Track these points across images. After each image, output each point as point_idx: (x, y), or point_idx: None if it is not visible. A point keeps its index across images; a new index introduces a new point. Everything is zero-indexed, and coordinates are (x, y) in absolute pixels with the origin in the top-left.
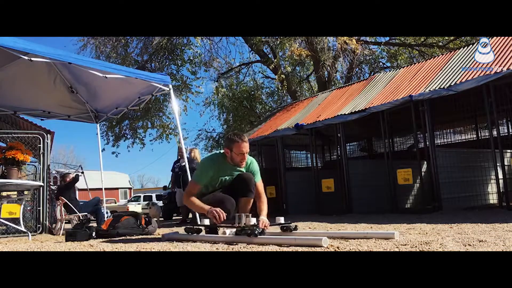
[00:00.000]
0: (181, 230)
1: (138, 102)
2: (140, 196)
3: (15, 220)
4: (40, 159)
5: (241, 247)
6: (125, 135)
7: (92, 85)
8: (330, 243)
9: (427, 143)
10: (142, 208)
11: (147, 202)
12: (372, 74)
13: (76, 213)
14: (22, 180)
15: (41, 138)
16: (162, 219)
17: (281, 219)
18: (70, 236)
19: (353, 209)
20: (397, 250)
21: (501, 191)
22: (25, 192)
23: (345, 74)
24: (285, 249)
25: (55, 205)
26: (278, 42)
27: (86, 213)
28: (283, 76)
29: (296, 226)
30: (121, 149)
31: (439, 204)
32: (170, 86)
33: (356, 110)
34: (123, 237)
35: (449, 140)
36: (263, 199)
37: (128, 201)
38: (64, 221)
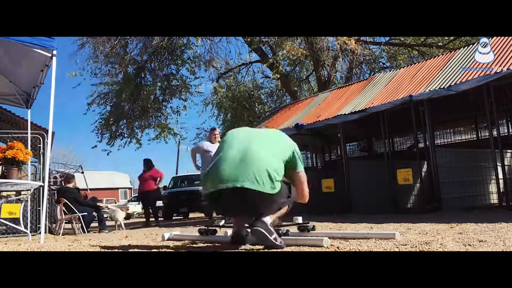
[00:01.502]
0: (181, 230)
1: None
2: None
3: (15, 220)
4: (40, 159)
5: (240, 248)
6: (122, 134)
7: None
8: (331, 243)
9: (427, 143)
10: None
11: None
12: (372, 74)
13: (76, 213)
14: (22, 180)
15: (41, 138)
16: (162, 219)
17: (299, 219)
18: None
19: (353, 209)
20: (397, 250)
21: (501, 191)
22: (25, 192)
23: (345, 74)
24: (286, 249)
25: (54, 205)
26: (276, 41)
27: (85, 213)
28: (277, 75)
29: (314, 226)
30: (113, 148)
31: (439, 204)
32: (54, 52)
33: (356, 110)
34: (123, 237)
35: (449, 140)
36: None
37: (128, 201)
38: (64, 221)
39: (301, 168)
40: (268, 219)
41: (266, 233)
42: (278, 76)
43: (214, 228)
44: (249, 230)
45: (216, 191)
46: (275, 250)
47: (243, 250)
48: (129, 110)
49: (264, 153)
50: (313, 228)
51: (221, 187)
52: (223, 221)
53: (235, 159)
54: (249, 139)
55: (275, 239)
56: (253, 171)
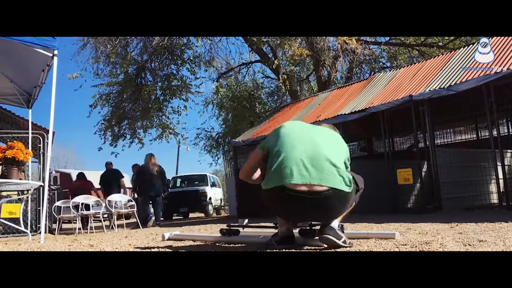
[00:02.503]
0: (181, 230)
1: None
2: None
3: (15, 220)
4: (40, 159)
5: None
6: (124, 135)
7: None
8: None
9: (427, 143)
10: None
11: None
12: (372, 74)
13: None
14: (22, 180)
15: (41, 138)
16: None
17: None
18: None
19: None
20: (397, 250)
21: (501, 191)
22: (25, 192)
23: (345, 74)
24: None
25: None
26: (278, 42)
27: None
28: (285, 76)
29: (342, 226)
30: (117, 149)
31: (439, 204)
32: (55, 51)
33: (356, 110)
34: (123, 237)
35: (449, 140)
36: None
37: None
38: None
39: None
40: (336, 223)
41: (335, 240)
42: (286, 78)
43: (237, 228)
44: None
45: (280, 189)
46: (274, 250)
47: (243, 251)
48: (130, 110)
49: (333, 151)
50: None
51: (289, 184)
52: (246, 221)
53: (304, 156)
54: (313, 136)
55: (344, 242)
56: (327, 168)
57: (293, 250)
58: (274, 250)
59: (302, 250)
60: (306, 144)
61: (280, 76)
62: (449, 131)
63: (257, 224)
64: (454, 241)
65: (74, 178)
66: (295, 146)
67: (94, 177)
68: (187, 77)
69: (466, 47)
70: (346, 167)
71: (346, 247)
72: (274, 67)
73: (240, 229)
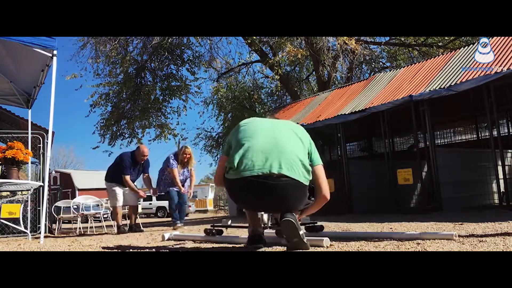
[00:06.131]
0: (181, 230)
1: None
2: None
3: (15, 220)
4: (40, 159)
5: (241, 248)
6: (123, 134)
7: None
8: (331, 243)
9: (427, 143)
10: (142, 208)
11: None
12: (372, 74)
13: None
14: (22, 180)
15: (41, 138)
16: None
17: (306, 218)
18: None
19: (353, 209)
20: (397, 250)
21: (501, 191)
22: (24, 192)
23: (345, 74)
24: (286, 249)
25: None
26: (276, 41)
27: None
28: (277, 76)
29: (322, 226)
30: (115, 149)
31: (439, 204)
32: (55, 52)
33: (356, 110)
34: (123, 237)
35: (449, 140)
36: None
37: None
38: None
39: (320, 161)
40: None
41: (296, 226)
42: (278, 77)
43: (220, 228)
44: (266, 230)
45: (242, 179)
46: (275, 250)
47: (243, 251)
48: (129, 110)
49: (293, 143)
50: (321, 228)
51: (251, 174)
52: (230, 221)
53: (265, 148)
54: (273, 129)
55: (302, 235)
56: (287, 158)
57: (296, 251)
58: (271, 250)
59: (302, 250)
60: (266, 136)
61: (274, 72)
62: (449, 131)
63: (239, 225)
64: (454, 241)
65: (74, 178)
66: (255, 138)
67: (93, 176)
68: (187, 78)
69: (466, 47)
70: (311, 160)
71: (303, 243)
72: (269, 64)
73: (224, 229)
